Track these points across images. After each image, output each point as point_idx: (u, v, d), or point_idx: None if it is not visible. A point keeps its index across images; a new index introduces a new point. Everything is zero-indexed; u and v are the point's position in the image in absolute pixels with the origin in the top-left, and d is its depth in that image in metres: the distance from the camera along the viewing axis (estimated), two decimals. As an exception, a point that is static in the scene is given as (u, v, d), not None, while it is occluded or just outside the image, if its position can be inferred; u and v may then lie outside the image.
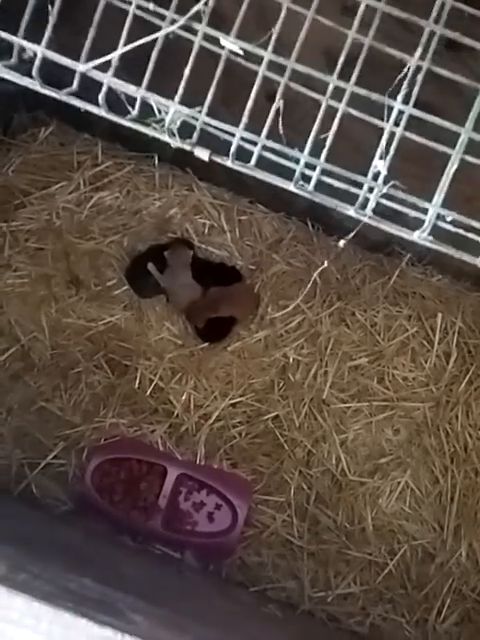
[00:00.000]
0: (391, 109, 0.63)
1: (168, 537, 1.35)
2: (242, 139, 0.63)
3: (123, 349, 1.47)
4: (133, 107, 0.62)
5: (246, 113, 0.62)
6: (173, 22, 0.60)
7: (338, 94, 0.66)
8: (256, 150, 0.64)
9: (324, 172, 0.64)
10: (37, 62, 0.58)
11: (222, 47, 0.63)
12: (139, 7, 0.60)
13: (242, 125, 0.62)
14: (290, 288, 1.54)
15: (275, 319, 1.52)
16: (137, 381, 1.45)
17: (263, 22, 0.70)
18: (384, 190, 0.62)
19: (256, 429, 1.46)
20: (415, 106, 0.65)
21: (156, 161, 1.57)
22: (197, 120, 0.62)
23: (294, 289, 1.54)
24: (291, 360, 1.50)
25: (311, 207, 1.55)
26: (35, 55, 0.59)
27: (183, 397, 1.46)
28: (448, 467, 1.44)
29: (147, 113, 0.65)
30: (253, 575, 1.36)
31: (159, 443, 1.42)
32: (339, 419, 1.47)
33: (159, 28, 0.64)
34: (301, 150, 0.64)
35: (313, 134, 0.62)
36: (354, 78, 0.64)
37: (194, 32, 0.61)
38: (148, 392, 1.45)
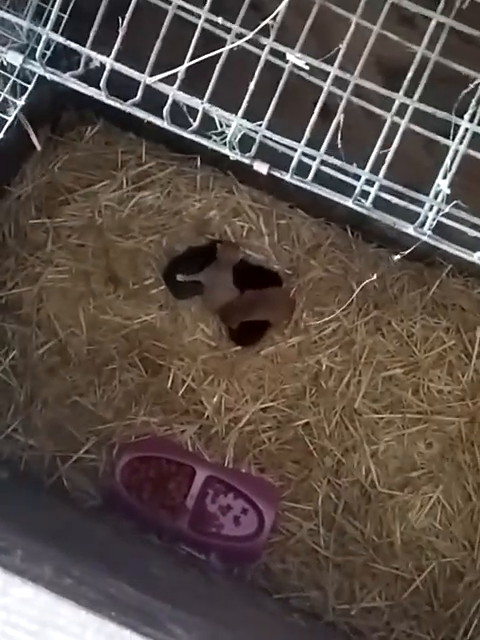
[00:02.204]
0: (457, 127, 0.62)
1: (194, 538, 1.35)
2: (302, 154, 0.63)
3: (157, 348, 1.49)
4: (194, 118, 0.63)
5: (309, 128, 0.62)
6: (238, 36, 0.59)
7: (399, 109, 0.65)
8: (314, 165, 0.63)
9: (382, 188, 0.63)
10: (105, 74, 0.59)
11: (286, 61, 0.62)
12: (207, 20, 0.60)
13: (304, 140, 0.62)
14: (326, 295, 1.53)
15: (310, 325, 1.51)
16: (170, 381, 1.46)
17: (320, 35, 0.69)
18: (446, 210, 0.61)
19: (286, 435, 1.45)
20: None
21: (198, 163, 1.57)
22: (257, 134, 0.61)
23: (330, 296, 1.52)
24: (324, 367, 1.48)
25: (351, 214, 1.55)
26: (102, 66, 0.60)
27: (214, 399, 1.46)
28: (482, 485, 1.41)
29: (207, 125, 0.65)
30: (277, 582, 1.35)
31: (188, 444, 1.43)
32: (371, 429, 1.46)
33: (222, 40, 0.64)
34: (358, 165, 0.63)
35: (376, 150, 0.61)
36: (418, 94, 0.63)
37: (258, 46, 0.61)
38: (180, 392, 1.46)
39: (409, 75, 0.63)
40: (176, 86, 0.60)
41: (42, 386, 1.45)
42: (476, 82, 0.61)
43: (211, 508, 1.39)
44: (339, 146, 0.64)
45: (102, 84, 0.59)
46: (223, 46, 0.62)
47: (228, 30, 0.61)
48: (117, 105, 0.61)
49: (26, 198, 1.53)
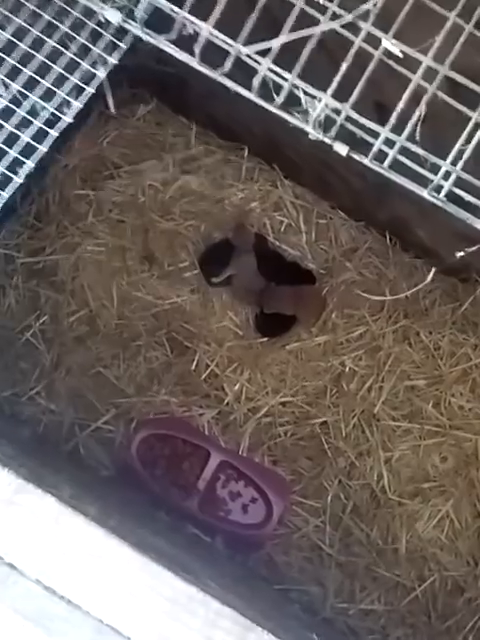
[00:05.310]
0: None
1: (202, 520, 1.36)
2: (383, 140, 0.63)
3: (185, 330, 1.50)
4: (277, 93, 0.63)
5: (395, 113, 0.62)
6: (333, 17, 0.61)
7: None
8: (392, 152, 0.64)
9: (458, 184, 0.64)
10: (201, 40, 0.60)
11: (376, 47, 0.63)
12: (307, 2, 0.62)
13: (389, 126, 0.62)
14: (358, 298, 1.54)
15: (338, 326, 1.52)
16: (194, 363, 1.47)
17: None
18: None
19: (302, 431, 1.46)
20: None
21: (245, 153, 1.59)
22: (339, 115, 0.62)
23: (362, 299, 1.53)
24: (348, 369, 1.49)
25: (392, 221, 1.56)
26: (196, 32, 0.61)
27: (236, 387, 1.47)
28: (492, 504, 1.41)
29: (289, 101, 0.66)
30: (279, 573, 1.36)
31: (205, 427, 1.44)
32: (387, 436, 1.46)
33: (309, 17, 0.65)
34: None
35: (458, 145, 0.62)
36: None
37: (352, 29, 0.62)
38: (203, 376, 1.47)
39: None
40: (270, 58, 0.62)
41: (68, 353, 1.46)
42: None
43: (221, 493, 1.40)
44: (417, 138, 0.64)
45: (197, 49, 0.60)
46: (308, 25, 0.63)
47: (322, 9, 0.62)
48: (207, 72, 0.62)
49: (73, 168, 1.55)
